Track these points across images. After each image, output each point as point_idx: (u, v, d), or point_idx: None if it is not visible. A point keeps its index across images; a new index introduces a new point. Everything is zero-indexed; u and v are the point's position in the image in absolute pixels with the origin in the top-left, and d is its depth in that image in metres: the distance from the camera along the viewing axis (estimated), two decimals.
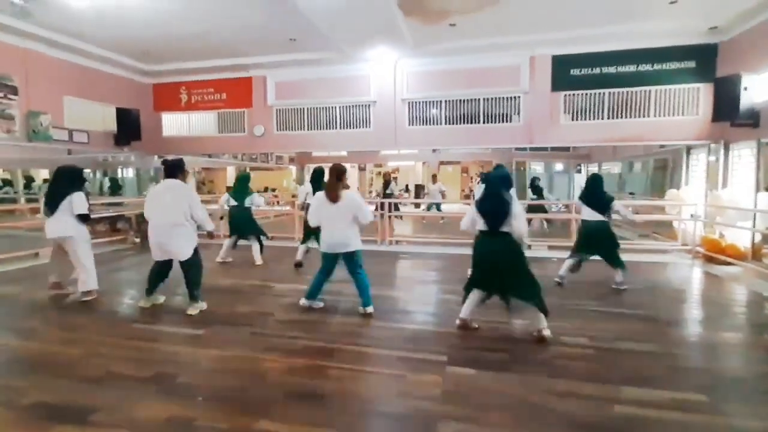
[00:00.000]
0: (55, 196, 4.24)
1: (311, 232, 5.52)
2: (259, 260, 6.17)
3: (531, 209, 9.01)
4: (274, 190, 19.01)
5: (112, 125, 8.24)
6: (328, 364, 2.94)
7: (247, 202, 6.13)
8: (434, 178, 13.58)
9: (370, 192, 17.23)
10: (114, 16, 5.95)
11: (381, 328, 3.63)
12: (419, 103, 8.02)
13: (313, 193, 5.36)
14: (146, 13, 5.90)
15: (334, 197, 3.75)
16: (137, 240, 7.99)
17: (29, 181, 12.40)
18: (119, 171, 13.78)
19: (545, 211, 9.74)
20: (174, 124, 9.27)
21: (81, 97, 7.69)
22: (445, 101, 7.90)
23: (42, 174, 16.43)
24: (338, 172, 3.79)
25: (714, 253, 6.19)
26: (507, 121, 7.67)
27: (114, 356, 3.08)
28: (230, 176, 18.20)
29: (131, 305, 4.40)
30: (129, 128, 8.30)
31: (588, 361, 3.00)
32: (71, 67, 7.48)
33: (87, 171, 14.93)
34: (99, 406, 2.41)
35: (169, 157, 4.59)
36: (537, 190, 9.91)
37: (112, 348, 3.22)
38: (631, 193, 11.41)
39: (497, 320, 3.82)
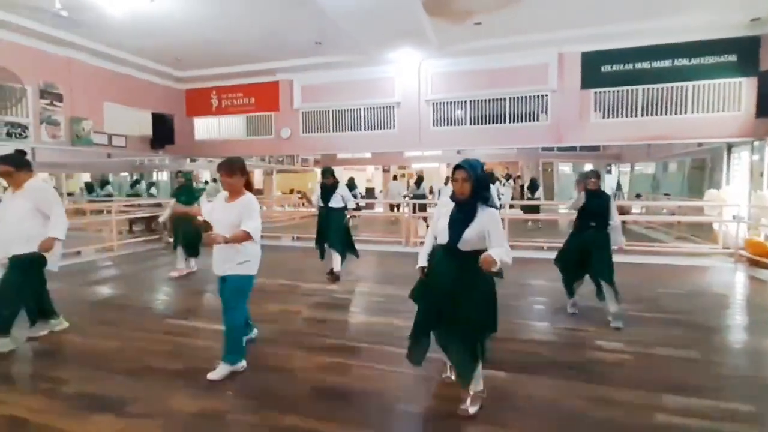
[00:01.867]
0: None
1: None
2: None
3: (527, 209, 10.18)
4: (299, 192, 19.30)
5: (148, 130, 8.58)
6: (355, 363, 2.94)
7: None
8: (447, 180, 13.44)
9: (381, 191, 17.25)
10: (151, 25, 6.20)
11: (408, 329, 3.58)
12: (443, 103, 7.96)
13: (321, 193, 5.31)
14: (180, 22, 6.12)
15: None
16: (171, 240, 8.27)
17: (104, 183, 13.34)
18: (154, 174, 14.40)
19: (538, 211, 10.47)
20: (205, 127, 9.57)
21: (120, 103, 8.05)
22: (470, 101, 7.81)
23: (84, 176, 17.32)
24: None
25: (759, 257, 5.84)
26: (534, 121, 7.50)
27: (148, 350, 3.19)
28: (258, 178, 18.63)
29: (163, 302, 4.56)
30: (164, 132, 8.62)
31: (626, 367, 2.88)
32: (111, 75, 7.85)
33: (124, 174, 15.71)
34: (135, 397, 2.50)
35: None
36: (533, 190, 10.70)
37: (147, 342, 3.34)
38: (666, 194, 10.94)
39: (529, 322, 3.74)
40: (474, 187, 2.24)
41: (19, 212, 3.17)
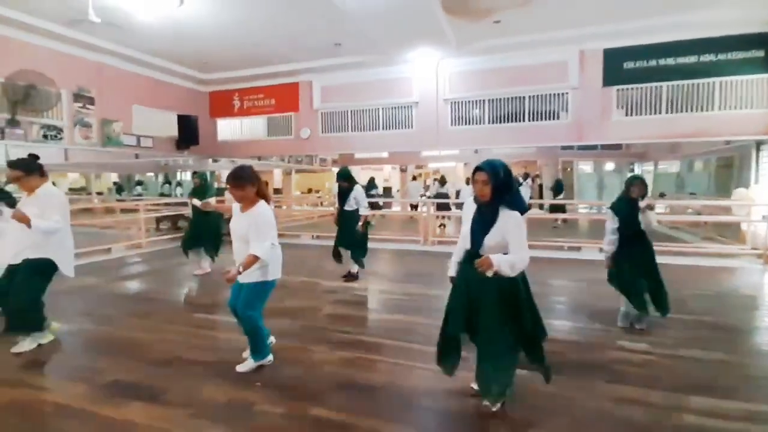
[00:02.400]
0: None
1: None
2: None
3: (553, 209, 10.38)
4: (317, 191, 19.57)
5: (174, 131, 8.86)
6: (378, 358, 3.01)
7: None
8: (468, 180, 13.40)
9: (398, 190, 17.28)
10: (178, 30, 6.41)
11: (429, 326, 3.63)
12: (462, 102, 7.95)
13: (338, 193, 5.28)
14: (207, 27, 6.31)
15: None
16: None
17: (137, 183, 13.91)
18: (178, 174, 14.83)
19: (564, 211, 10.53)
20: (228, 128, 9.81)
21: (147, 106, 8.34)
22: (488, 100, 7.78)
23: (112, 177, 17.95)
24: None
25: None
26: (554, 119, 7.42)
27: (179, 342, 3.33)
28: (276, 178, 18.95)
29: (191, 297, 4.73)
30: (188, 133, 8.89)
31: (649, 368, 2.85)
32: (139, 79, 8.14)
33: (150, 174, 16.24)
34: (167, 387, 2.62)
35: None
36: (558, 190, 10.81)
37: (177, 335, 3.49)
38: (691, 194, 10.63)
39: (551, 321, 3.72)
40: (495, 189, 2.13)
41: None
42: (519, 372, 2.73)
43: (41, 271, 3.14)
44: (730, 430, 2.14)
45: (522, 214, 2.14)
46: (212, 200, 5.65)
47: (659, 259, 3.61)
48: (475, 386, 2.45)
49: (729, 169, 9.33)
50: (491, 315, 2.18)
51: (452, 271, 2.44)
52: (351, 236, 5.17)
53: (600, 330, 3.56)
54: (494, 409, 2.29)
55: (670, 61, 6.71)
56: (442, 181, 12.14)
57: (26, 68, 6.17)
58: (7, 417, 2.33)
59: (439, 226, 10.61)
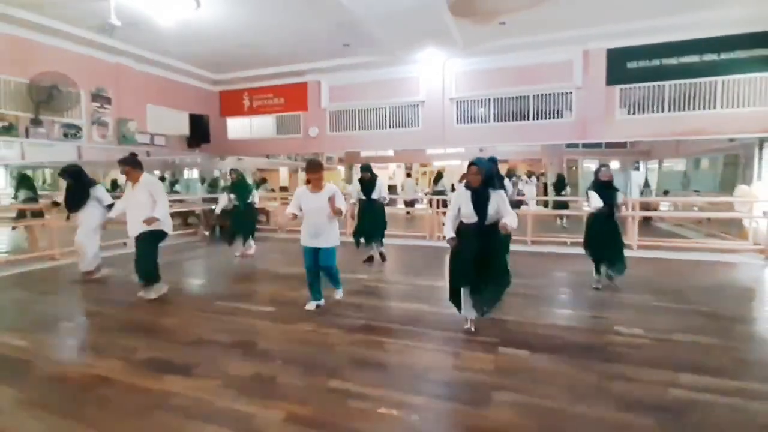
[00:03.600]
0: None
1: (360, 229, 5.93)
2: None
3: (556, 206, 10.57)
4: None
5: (186, 129, 9.12)
6: (388, 340, 3.21)
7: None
8: (463, 177, 13.55)
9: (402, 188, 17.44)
10: (194, 32, 6.66)
11: (435, 314, 3.85)
12: (467, 101, 8.12)
13: (361, 189, 5.87)
14: (221, 29, 6.55)
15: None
16: (206, 233, 8.79)
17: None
18: (185, 172, 15.10)
19: (567, 208, 10.63)
20: (238, 127, 10.06)
21: (161, 105, 8.61)
22: (494, 99, 7.95)
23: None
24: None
25: None
26: (558, 117, 7.58)
27: (203, 326, 3.56)
28: (283, 176, 19.20)
29: (209, 286, 4.97)
30: (200, 132, 9.15)
31: (643, 349, 3.03)
32: (154, 79, 8.41)
33: (157, 172, 16.56)
34: (197, 362, 2.85)
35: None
36: (561, 187, 10.91)
37: (201, 320, 3.72)
38: (696, 191, 10.72)
39: (553, 309, 3.92)
40: (484, 178, 3.12)
41: (139, 201, 4.16)
42: (521, 353, 2.95)
43: (155, 238, 4.25)
44: (717, 403, 2.32)
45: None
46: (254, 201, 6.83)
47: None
48: (472, 327, 3.33)
49: (735, 167, 9.41)
50: (498, 260, 3.22)
51: (452, 233, 3.28)
52: (383, 223, 5.94)
53: (599, 317, 3.74)
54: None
55: (673, 60, 6.84)
56: (437, 179, 12.27)
57: (49, 70, 6.45)
58: (58, 388, 2.57)
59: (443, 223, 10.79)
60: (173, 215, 10.40)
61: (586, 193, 4.61)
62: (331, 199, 3.62)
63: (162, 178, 14.14)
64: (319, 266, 3.84)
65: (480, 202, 3.13)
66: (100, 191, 5.19)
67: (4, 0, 5.59)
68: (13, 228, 8.07)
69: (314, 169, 3.71)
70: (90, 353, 3.10)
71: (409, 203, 13.08)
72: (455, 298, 3.35)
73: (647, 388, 2.47)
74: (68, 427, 2.17)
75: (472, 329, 3.32)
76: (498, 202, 3.13)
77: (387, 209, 6.25)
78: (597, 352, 2.97)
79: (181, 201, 10.56)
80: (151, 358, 2.92)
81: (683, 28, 6.48)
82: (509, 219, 3.04)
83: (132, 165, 4.23)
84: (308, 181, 3.81)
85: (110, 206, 4.96)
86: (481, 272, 3.15)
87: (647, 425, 2.11)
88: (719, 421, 2.17)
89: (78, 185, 5.07)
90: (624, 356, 2.90)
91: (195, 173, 14.32)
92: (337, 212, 3.64)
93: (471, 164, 3.18)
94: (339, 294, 4.12)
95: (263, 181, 12.93)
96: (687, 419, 2.17)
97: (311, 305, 3.95)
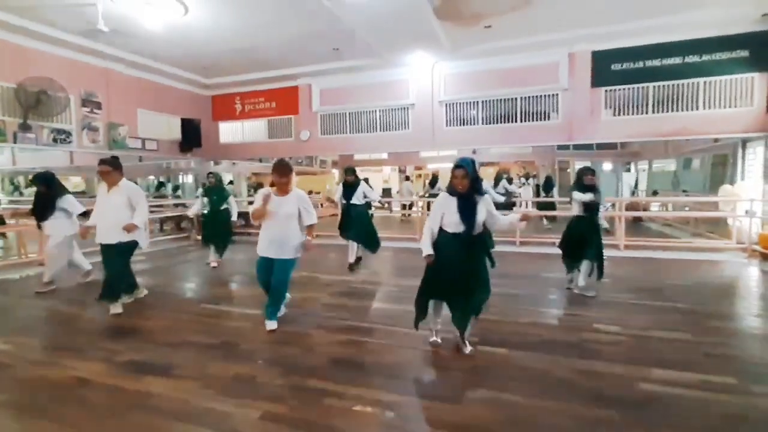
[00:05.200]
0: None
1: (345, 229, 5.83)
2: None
3: (541, 206, 10.44)
4: (318, 192, 19.83)
5: (177, 134, 9.15)
6: (370, 340, 3.26)
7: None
8: None
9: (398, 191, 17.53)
10: (183, 37, 6.70)
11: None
12: (456, 104, 8.21)
13: (343, 192, 5.72)
14: (210, 33, 6.60)
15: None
16: (198, 237, 8.81)
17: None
18: (180, 177, 15.11)
19: (554, 208, 10.43)
20: (229, 131, 10.10)
21: (152, 110, 8.64)
22: (482, 101, 8.03)
23: None
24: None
25: None
26: (545, 119, 7.67)
27: (187, 328, 3.59)
28: None
29: (196, 290, 4.99)
30: (192, 136, 9.18)
31: (618, 346, 3.10)
32: (144, 83, 8.44)
33: (152, 177, 16.58)
34: (178, 364, 2.88)
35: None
36: (548, 188, 10.90)
37: (185, 322, 3.75)
38: (684, 191, 10.86)
39: (533, 308, 3.97)
40: (471, 181, 2.77)
41: (116, 205, 3.92)
42: (498, 350, 3.00)
43: (130, 250, 4.05)
44: (684, 396, 2.38)
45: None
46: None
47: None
48: (438, 339, 3.12)
49: (723, 167, 9.55)
50: (480, 274, 2.90)
51: (430, 249, 2.92)
52: (363, 230, 5.66)
53: (578, 315, 3.80)
54: (469, 352, 2.92)
55: (656, 62, 6.95)
56: (433, 182, 12.41)
57: (37, 75, 6.48)
58: (38, 389, 2.60)
59: None
60: (169, 219, 10.59)
61: (570, 195, 4.56)
62: (308, 231, 3.43)
63: (161, 183, 14.19)
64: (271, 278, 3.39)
65: (467, 209, 2.78)
66: (66, 202, 4.86)
67: None
68: None
69: (281, 172, 3.29)
70: (71, 356, 3.12)
71: (410, 206, 13.18)
72: (422, 308, 3.04)
73: (618, 384, 2.53)
74: (47, 428, 2.20)
75: (439, 341, 3.09)
76: (487, 206, 2.85)
77: (383, 213, 6.20)
78: (572, 349, 3.02)
79: (177, 205, 10.60)
80: (132, 360, 2.96)
81: (666, 30, 6.60)
82: (510, 218, 3.04)
83: (114, 166, 3.97)
84: (272, 184, 3.40)
85: (85, 214, 4.71)
86: (460, 286, 2.85)
87: (610, 418, 2.17)
88: (680, 412, 2.23)
89: (47, 193, 4.82)
90: (599, 353, 2.96)
91: (189, 178, 14.38)
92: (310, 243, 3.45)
93: (457, 166, 2.79)
94: (272, 324, 3.43)
95: (259, 185, 12.99)
96: (650, 411, 2.23)
97: (271, 324, 3.46)
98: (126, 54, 7.52)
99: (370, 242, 5.80)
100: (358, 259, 6.00)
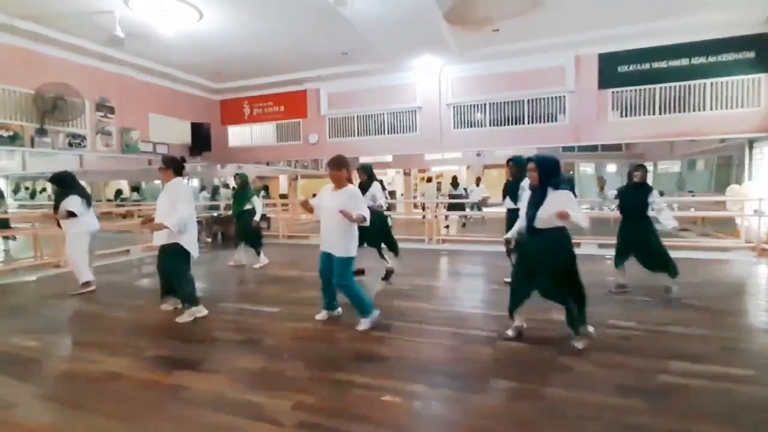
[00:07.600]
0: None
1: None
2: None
3: None
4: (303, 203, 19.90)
5: (188, 138, 9.27)
6: (389, 336, 3.32)
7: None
8: (478, 180, 13.78)
9: (415, 196, 17.56)
10: (193, 42, 6.83)
11: (434, 311, 3.97)
12: (463, 106, 8.30)
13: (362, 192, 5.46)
14: (222, 39, 6.72)
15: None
16: (209, 240, 8.90)
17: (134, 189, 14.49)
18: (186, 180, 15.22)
19: None
20: (238, 135, 10.23)
21: (163, 114, 8.77)
22: (489, 104, 8.13)
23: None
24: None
25: None
26: (552, 121, 7.75)
27: (211, 326, 3.66)
28: (282, 184, 19.36)
29: (212, 290, 5.07)
30: (201, 140, 9.30)
31: (635, 340, 3.15)
32: (156, 89, 8.58)
33: (157, 181, 16.71)
34: (205, 359, 2.95)
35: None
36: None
37: (208, 320, 3.82)
38: (690, 192, 10.90)
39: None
40: (541, 175, 2.92)
41: (162, 204, 3.74)
42: (517, 345, 3.06)
43: (175, 254, 3.75)
44: (705, 388, 2.43)
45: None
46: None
47: None
48: (511, 333, 3.19)
49: (729, 168, 9.61)
50: (547, 272, 2.95)
51: (509, 234, 3.31)
52: (377, 231, 4.97)
53: (592, 311, 3.83)
54: (580, 347, 2.95)
55: (663, 64, 7.04)
56: (455, 184, 12.63)
57: (55, 81, 6.60)
58: (73, 384, 2.67)
59: (445, 227, 10.93)
60: None
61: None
62: (344, 212, 3.23)
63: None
64: (331, 276, 3.51)
65: (533, 202, 2.96)
66: (68, 201, 4.69)
67: (10, 12, 5.74)
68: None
69: (333, 166, 3.43)
70: (99, 352, 3.19)
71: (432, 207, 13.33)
72: (514, 303, 3.17)
73: (638, 375, 2.58)
74: (89, 420, 2.26)
75: (510, 335, 3.17)
76: (559, 202, 2.82)
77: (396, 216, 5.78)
78: (592, 343, 3.07)
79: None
80: (159, 356, 3.03)
81: (672, 32, 6.68)
82: (575, 215, 2.77)
83: (165, 164, 3.84)
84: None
85: (72, 214, 4.65)
86: (536, 282, 3.00)
87: (636, 406, 2.22)
88: (704, 401, 2.28)
89: (61, 193, 4.76)
90: (618, 346, 3.01)
91: (195, 182, 14.52)
92: (350, 218, 3.24)
93: (529, 160, 3.05)
94: (364, 323, 3.45)
95: (265, 188, 13.09)
96: (674, 401, 2.28)
97: (322, 315, 3.72)
98: (140, 60, 7.66)
99: (388, 245, 5.30)
100: (389, 273, 5.30)
